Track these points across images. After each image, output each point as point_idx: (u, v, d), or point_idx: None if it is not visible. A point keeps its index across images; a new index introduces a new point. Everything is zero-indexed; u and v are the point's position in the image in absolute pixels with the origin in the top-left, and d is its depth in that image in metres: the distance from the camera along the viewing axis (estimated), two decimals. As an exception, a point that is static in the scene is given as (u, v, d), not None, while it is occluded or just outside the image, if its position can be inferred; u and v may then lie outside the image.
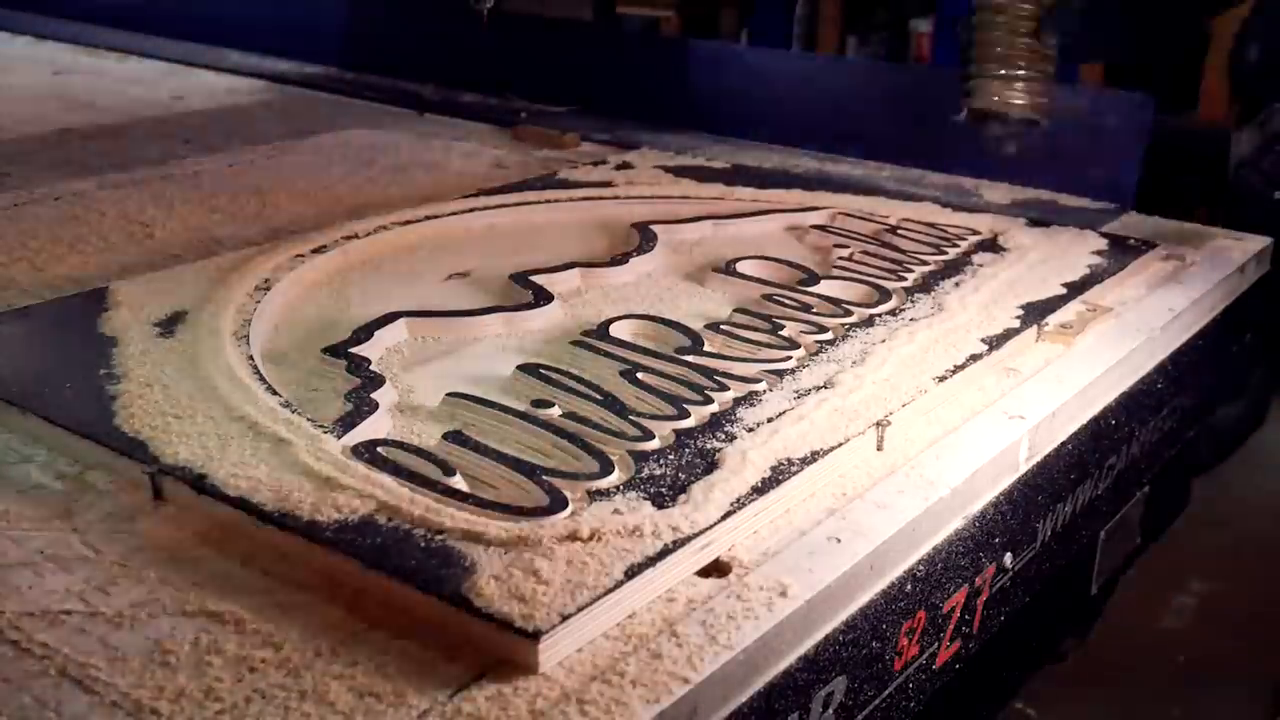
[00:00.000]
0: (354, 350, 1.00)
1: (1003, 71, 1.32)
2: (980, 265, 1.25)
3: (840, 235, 1.34)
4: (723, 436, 0.88)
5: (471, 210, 1.39)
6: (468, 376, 0.98)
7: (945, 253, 1.28)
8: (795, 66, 2.05)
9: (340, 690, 0.64)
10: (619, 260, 1.24)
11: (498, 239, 1.34)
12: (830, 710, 0.77)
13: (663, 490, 0.80)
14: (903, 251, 1.28)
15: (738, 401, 0.93)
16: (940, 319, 1.10)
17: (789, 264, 1.24)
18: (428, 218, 1.35)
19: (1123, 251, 1.31)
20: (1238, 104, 1.79)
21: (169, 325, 1.05)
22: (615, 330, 1.07)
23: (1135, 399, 1.13)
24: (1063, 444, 1.02)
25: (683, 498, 0.79)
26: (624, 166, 1.63)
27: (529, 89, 2.04)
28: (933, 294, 1.17)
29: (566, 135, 1.80)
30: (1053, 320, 1.12)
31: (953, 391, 0.98)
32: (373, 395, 0.92)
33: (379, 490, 0.78)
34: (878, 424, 0.90)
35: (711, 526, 0.76)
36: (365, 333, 1.04)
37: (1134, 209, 1.52)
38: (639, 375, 0.97)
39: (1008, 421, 0.96)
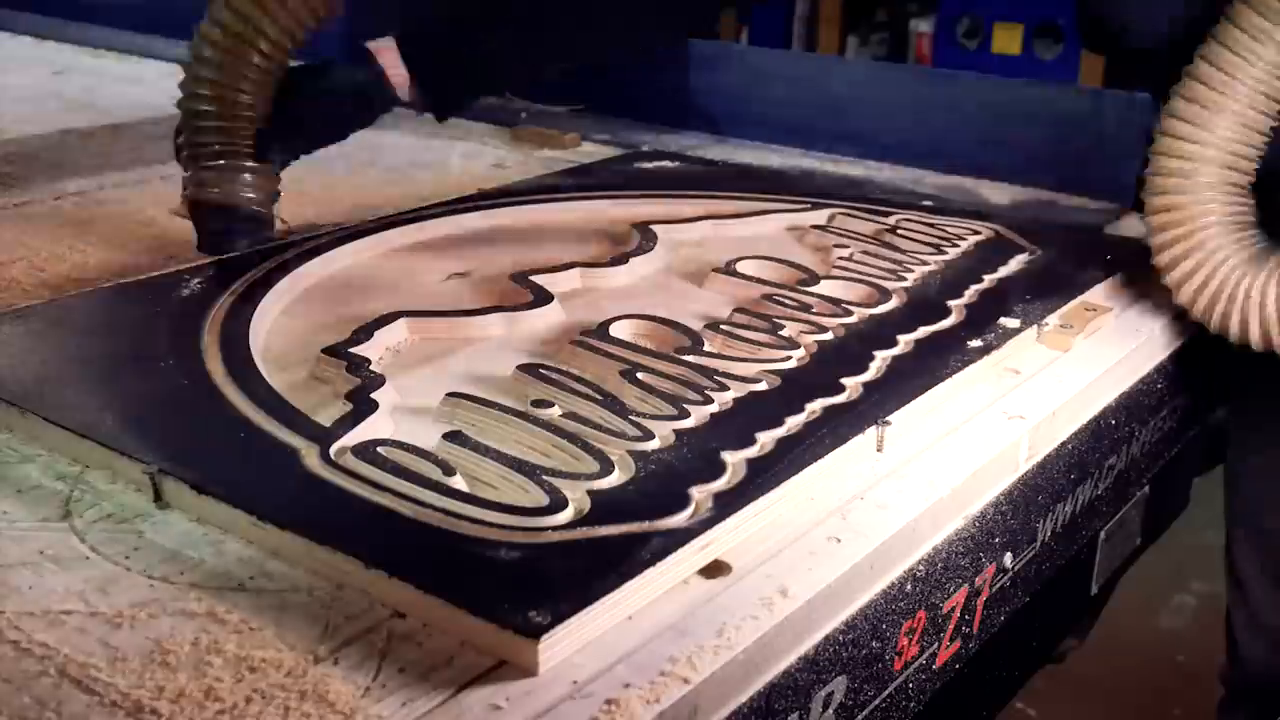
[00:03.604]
0: (354, 350, 1.00)
1: (223, 163, 1.21)
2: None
3: (840, 235, 1.34)
4: (724, 436, 0.88)
5: (471, 210, 1.39)
6: (468, 376, 0.98)
7: (945, 253, 1.28)
8: (795, 66, 2.05)
9: (340, 690, 0.64)
10: (619, 260, 1.25)
11: (498, 239, 1.34)
12: (830, 710, 0.77)
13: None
14: (903, 251, 1.28)
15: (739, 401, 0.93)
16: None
17: (789, 264, 1.24)
18: (427, 217, 1.36)
19: (1123, 252, 1.31)
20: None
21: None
22: (615, 330, 1.06)
23: (1135, 399, 1.13)
24: (1063, 444, 1.02)
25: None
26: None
27: (529, 89, 2.04)
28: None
29: (567, 135, 1.80)
30: (1053, 320, 1.12)
31: (953, 391, 0.99)
32: (373, 395, 0.92)
33: (379, 491, 0.78)
34: (878, 424, 0.90)
35: (711, 526, 0.76)
36: (365, 333, 1.04)
37: (1134, 209, 1.52)
38: (639, 375, 0.96)
39: (1008, 421, 0.96)
